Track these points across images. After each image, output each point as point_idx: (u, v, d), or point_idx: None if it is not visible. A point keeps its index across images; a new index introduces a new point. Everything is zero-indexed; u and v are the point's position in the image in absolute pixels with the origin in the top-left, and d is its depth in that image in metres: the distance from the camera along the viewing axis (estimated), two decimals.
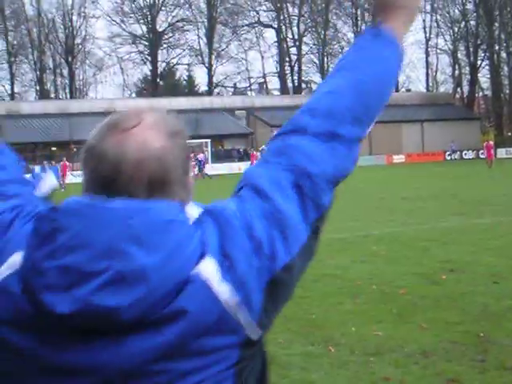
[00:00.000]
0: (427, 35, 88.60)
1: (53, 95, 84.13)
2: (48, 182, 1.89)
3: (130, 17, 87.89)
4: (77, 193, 1.50)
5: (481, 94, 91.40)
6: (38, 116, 61.61)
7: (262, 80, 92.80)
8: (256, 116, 68.67)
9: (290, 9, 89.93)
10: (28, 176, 1.84)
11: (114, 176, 1.43)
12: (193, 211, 1.48)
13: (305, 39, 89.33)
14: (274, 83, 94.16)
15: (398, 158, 67.58)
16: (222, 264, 1.40)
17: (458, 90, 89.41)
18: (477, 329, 7.43)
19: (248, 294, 1.41)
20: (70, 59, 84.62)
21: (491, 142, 51.50)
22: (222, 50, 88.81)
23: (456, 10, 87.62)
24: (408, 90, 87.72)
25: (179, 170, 1.49)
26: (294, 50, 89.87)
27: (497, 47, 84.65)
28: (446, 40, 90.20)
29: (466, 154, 69.23)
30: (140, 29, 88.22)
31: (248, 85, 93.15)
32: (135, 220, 1.38)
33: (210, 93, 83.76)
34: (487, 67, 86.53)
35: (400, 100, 72.25)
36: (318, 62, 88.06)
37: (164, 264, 1.36)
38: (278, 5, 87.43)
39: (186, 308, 1.36)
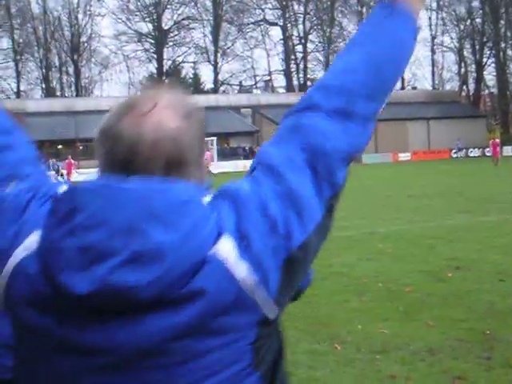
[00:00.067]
0: (433, 33, 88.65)
1: (59, 93, 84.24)
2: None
3: (136, 15, 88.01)
4: None
5: (487, 91, 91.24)
6: (43, 114, 61.63)
7: (268, 78, 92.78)
8: (262, 114, 68.60)
9: (296, 7, 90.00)
10: None
11: (131, 157, 1.43)
12: (208, 192, 1.48)
13: (310, 37, 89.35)
14: (279, 81, 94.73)
15: (404, 156, 67.47)
16: (239, 244, 1.41)
17: (464, 87, 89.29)
18: (483, 326, 7.42)
19: (265, 274, 1.41)
20: (75, 57, 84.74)
21: (497, 140, 51.38)
22: (228, 47, 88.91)
23: (462, 8, 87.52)
24: (414, 88, 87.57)
25: (195, 151, 1.49)
26: (299, 48, 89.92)
27: (503, 45, 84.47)
28: (451, 38, 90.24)
29: (471, 151, 69.12)
30: (146, 27, 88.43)
31: (254, 83, 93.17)
32: (153, 199, 1.38)
33: (215, 91, 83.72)
34: (493, 65, 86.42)
35: (406, 98, 72.18)
36: (323, 59, 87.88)
37: (182, 243, 1.36)
38: (284, 3, 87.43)
39: (203, 288, 1.36)
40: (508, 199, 21.24)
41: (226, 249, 1.39)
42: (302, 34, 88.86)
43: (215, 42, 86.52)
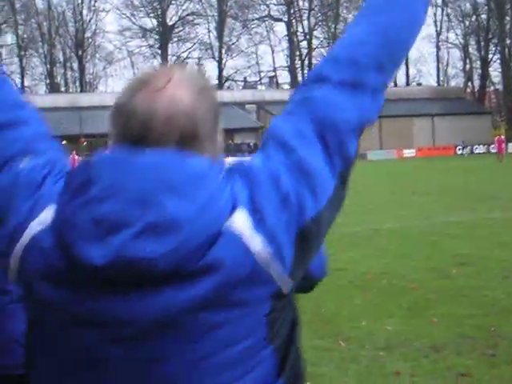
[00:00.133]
0: (438, 29, 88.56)
1: (63, 89, 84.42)
2: None
3: (140, 10, 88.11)
4: None
5: (492, 88, 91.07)
6: (48, 109, 61.50)
7: (273, 74, 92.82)
8: (266, 110, 68.64)
9: (301, 2, 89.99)
10: None
11: (145, 133, 1.43)
12: (221, 167, 1.48)
13: (315, 33, 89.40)
14: (284, 77, 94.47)
15: (409, 153, 67.49)
16: (253, 217, 1.41)
17: (469, 84, 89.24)
18: (487, 323, 7.42)
19: (279, 247, 1.41)
20: (80, 53, 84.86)
21: (503, 137, 51.38)
22: (233, 43, 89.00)
23: (467, 4, 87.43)
24: (419, 84, 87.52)
25: (208, 125, 1.49)
26: (304, 44, 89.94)
27: (508, 41, 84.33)
28: (456, 34, 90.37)
29: (476, 148, 69.05)
30: (150, 22, 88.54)
31: (258, 79, 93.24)
32: (169, 171, 1.38)
33: (220, 87, 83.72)
34: (498, 61, 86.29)
35: (411, 94, 72.19)
36: None
37: (198, 215, 1.36)
38: None
39: (220, 260, 1.36)
40: None
41: (241, 222, 1.39)
42: (306, 30, 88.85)
43: (220, 37, 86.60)
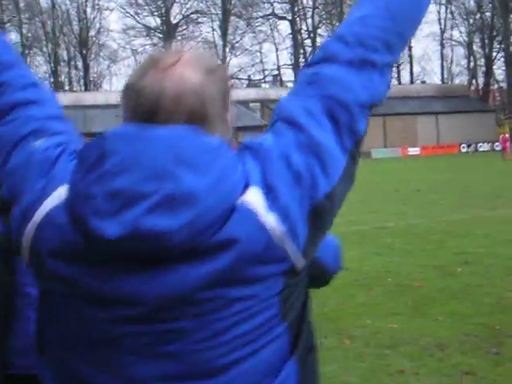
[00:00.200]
0: (442, 27, 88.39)
1: (67, 87, 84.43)
2: None
3: (144, 9, 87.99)
4: None
5: (496, 86, 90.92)
6: None
7: (277, 72, 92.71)
8: (270, 108, 68.58)
9: (305, 0, 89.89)
10: None
11: (155, 110, 1.44)
12: (232, 146, 1.49)
13: (319, 31, 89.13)
14: (288, 75, 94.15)
15: (413, 151, 67.37)
16: (267, 195, 1.41)
17: (473, 82, 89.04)
18: (492, 321, 7.41)
19: (293, 225, 1.42)
20: (84, 51, 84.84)
21: (507, 135, 51.29)
22: (237, 42, 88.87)
23: (471, 2, 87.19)
24: (423, 82, 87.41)
25: (218, 104, 1.50)
26: (308, 42, 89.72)
27: None
28: (461, 32, 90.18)
29: (480, 146, 68.94)
30: (154, 21, 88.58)
31: (262, 77, 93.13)
32: (184, 144, 1.38)
33: None
34: (502, 59, 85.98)
35: (415, 92, 72.08)
36: None
37: (212, 189, 1.36)
38: None
39: (235, 237, 1.37)
40: None
41: (255, 199, 1.40)
42: (310, 28, 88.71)
43: (224, 36, 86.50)
